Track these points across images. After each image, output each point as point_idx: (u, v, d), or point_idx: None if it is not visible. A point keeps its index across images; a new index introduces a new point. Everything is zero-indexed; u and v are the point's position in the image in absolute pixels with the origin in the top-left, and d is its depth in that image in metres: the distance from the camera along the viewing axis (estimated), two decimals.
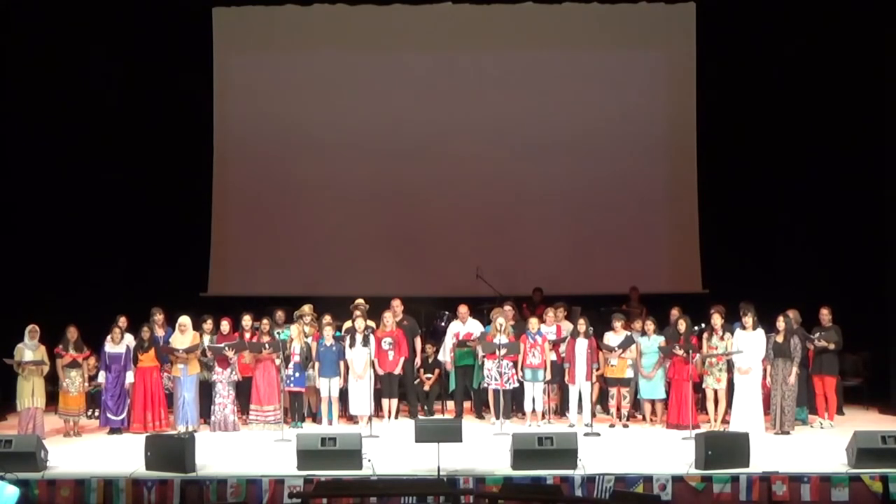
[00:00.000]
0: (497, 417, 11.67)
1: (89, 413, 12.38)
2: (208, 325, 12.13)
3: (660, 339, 11.89)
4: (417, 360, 12.64)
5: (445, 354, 12.54)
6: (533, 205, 15.20)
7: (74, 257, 14.38)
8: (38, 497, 9.25)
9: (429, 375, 12.82)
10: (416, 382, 12.71)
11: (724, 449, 9.42)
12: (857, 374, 13.34)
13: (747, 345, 11.29)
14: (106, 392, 11.70)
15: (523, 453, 9.46)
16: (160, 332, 12.12)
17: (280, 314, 12.52)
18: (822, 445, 10.62)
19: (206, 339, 11.96)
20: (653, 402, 12.08)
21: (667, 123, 15.34)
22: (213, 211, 15.35)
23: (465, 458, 9.74)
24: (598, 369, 11.90)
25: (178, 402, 11.67)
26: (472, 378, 12.44)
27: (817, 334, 11.83)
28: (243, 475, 9.34)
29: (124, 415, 11.70)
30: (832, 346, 11.81)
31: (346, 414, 12.09)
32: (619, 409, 12.06)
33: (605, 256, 15.07)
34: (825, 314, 11.99)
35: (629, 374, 12.02)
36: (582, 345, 11.70)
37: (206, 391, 11.89)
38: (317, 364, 11.92)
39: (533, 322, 12.00)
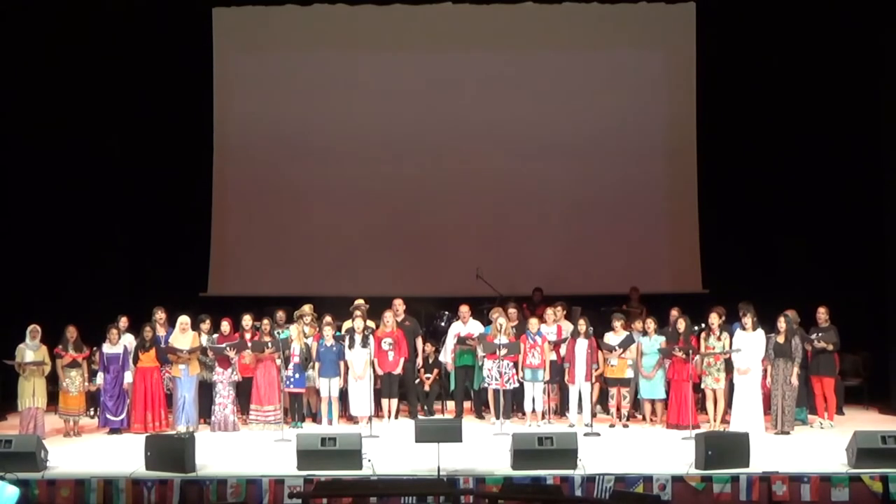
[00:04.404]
0: (497, 417, 11.67)
1: (90, 413, 12.38)
2: (206, 325, 12.14)
3: (661, 340, 11.90)
4: (419, 361, 12.65)
5: (446, 355, 12.55)
6: (533, 205, 15.21)
7: (74, 257, 14.39)
8: (38, 497, 9.25)
9: (428, 375, 12.83)
10: (416, 382, 12.71)
11: (724, 449, 9.42)
12: (856, 374, 13.35)
13: (747, 345, 11.29)
14: (104, 393, 11.71)
15: (523, 453, 9.46)
16: (161, 332, 12.12)
17: (280, 314, 12.53)
18: (822, 445, 10.62)
19: (204, 338, 11.96)
20: (653, 402, 12.08)
21: (667, 124, 15.34)
22: (213, 211, 15.35)
23: (465, 458, 9.74)
24: (597, 369, 11.90)
25: (178, 402, 11.67)
26: (473, 378, 12.44)
27: (815, 335, 11.83)
28: (243, 475, 9.34)
29: (123, 415, 11.71)
30: (830, 348, 11.81)
31: (346, 414, 12.10)
32: (619, 409, 12.06)
33: (605, 256, 15.07)
34: (822, 314, 11.98)
35: (629, 374, 12.02)
36: (582, 345, 11.71)
37: (206, 391, 11.90)
38: (317, 364, 11.93)
39: (533, 322, 12.01)
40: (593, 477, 9.22)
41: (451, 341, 12.48)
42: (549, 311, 12.31)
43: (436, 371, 12.88)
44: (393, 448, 10.51)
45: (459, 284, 14.33)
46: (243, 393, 12.03)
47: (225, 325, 12.05)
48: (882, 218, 13.50)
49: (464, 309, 12.55)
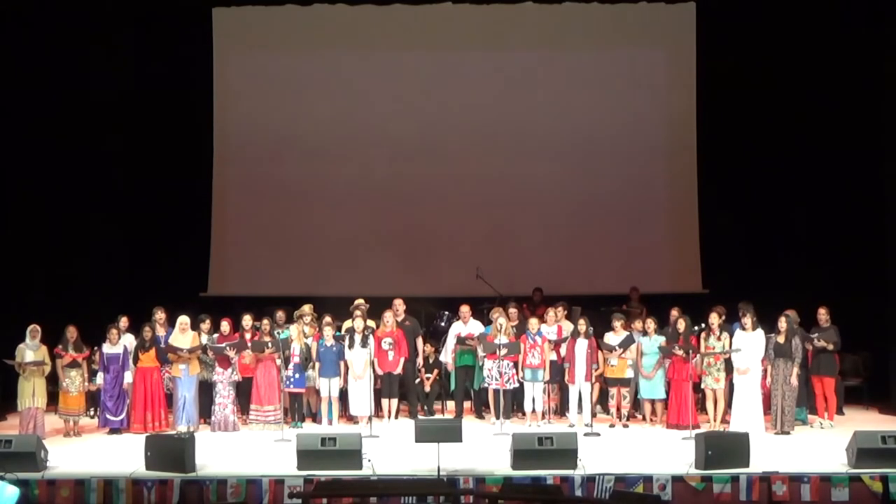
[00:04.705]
0: (497, 417, 11.67)
1: (90, 413, 12.39)
2: (206, 325, 12.14)
3: (660, 340, 11.89)
4: (419, 360, 12.65)
5: (447, 355, 12.54)
6: (533, 205, 15.21)
7: (75, 257, 14.40)
8: (38, 497, 9.24)
9: (428, 375, 12.83)
10: (416, 382, 12.71)
11: (724, 449, 9.42)
12: (857, 374, 13.34)
13: (747, 345, 11.29)
14: (105, 393, 11.71)
15: (523, 453, 9.46)
16: (161, 332, 12.11)
17: (280, 314, 12.52)
18: (822, 445, 10.62)
19: (204, 338, 11.96)
20: (653, 402, 12.08)
21: (667, 123, 15.34)
22: (213, 211, 15.35)
23: (465, 458, 9.74)
24: (597, 369, 11.90)
25: (178, 402, 11.67)
26: (473, 379, 12.44)
27: (816, 335, 11.83)
28: (243, 475, 9.34)
29: (123, 415, 11.71)
30: (831, 347, 11.81)
31: (346, 414, 12.09)
32: (619, 409, 12.06)
33: (605, 256, 15.08)
34: (822, 314, 11.98)
35: (629, 374, 12.01)
36: (582, 345, 11.71)
37: (206, 391, 11.89)
38: (317, 364, 11.93)
39: (533, 322, 12.01)
40: (593, 477, 9.22)
41: (451, 341, 12.47)
42: (551, 312, 12.30)
43: (436, 371, 12.88)
44: (393, 448, 10.51)
45: (459, 284, 14.33)
46: (243, 393, 12.03)
47: (225, 325, 12.04)
48: (882, 218, 13.49)
49: (464, 309, 12.54)
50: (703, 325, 11.55)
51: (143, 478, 9.31)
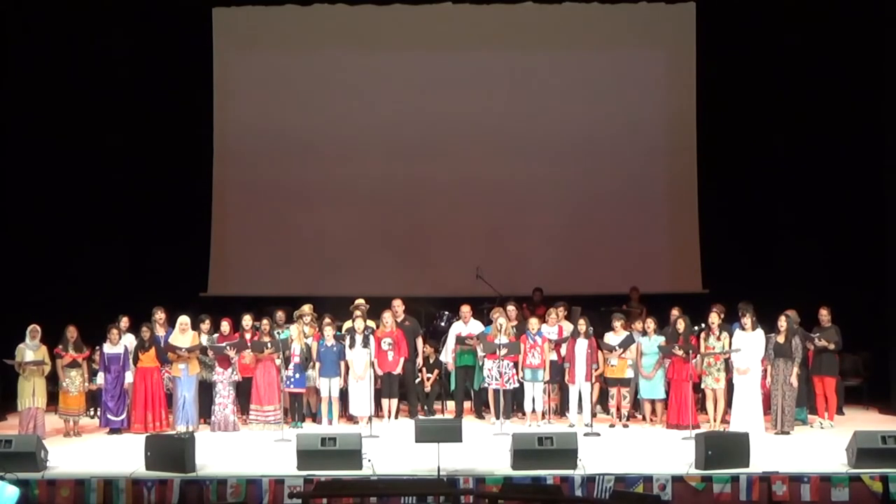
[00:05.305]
0: (497, 417, 11.67)
1: (90, 413, 12.39)
2: (206, 325, 12.14)
3: (660, 340, 11.89)
4: (419, 361, 12.64)
5: (447, 355, 12.54)
6: (533, 204, 15.21)
7: (75, 257, 14.39)
8: (38, 497, 9.25)
9: (429, 375, 12.83)
10: (416, 382, 12.70)
11: (724, 449, 9.43)
12: (857, 374, 13.35)
13: (746, 345, 11.29)
14: (105, 393, 11.71)
15: (523, 453, 9.46)
16: (161, 332, 12.11)
17: (280, 314, 12.51)
18: (822, 445, 10.62)
19: (204, 338, 11.96)
20: (653, 402, 12.08)
21: (667, 123, 15.34)
22: (213, 211, 15.35)
23: (465, 458, 9.74)
24: (597, 369, 11.90)
25: (178, 402, 11.67)
26: (473, 379, 12.44)
27: (817, 335, 11.83)
28: (243, 475, 9.35)
29: (124, 415, 11.71)
30: (832, 346, 11.82)
31: (346, 414, 12.09)
32: (619, 409, 12.06)
33: (605, 256, 15.07)
34: (824, 314, 11.99)
35: (629, 374, 12.02)
36: (582, 345, 11.71)
37: (206, 391, 11.89)
38: (317, 364, 11.93)
39: (533, 322, 12.01)
40: (593, 477, 9.22)
41: (451, 341, 12.46)
42: (553, 312, 12.30)
43: (436, 371, 12.88)
44: (393, 448, 10.51)
45: (459, 284, 14.33)
46: (243, 393, 12.03)
47: (225, 325, 12.05)
48: (883, 217, 13.48)
49: (465, 309, 12.53)
50: (703, 325, 11.55)
51: (143, 478, 9.32)
